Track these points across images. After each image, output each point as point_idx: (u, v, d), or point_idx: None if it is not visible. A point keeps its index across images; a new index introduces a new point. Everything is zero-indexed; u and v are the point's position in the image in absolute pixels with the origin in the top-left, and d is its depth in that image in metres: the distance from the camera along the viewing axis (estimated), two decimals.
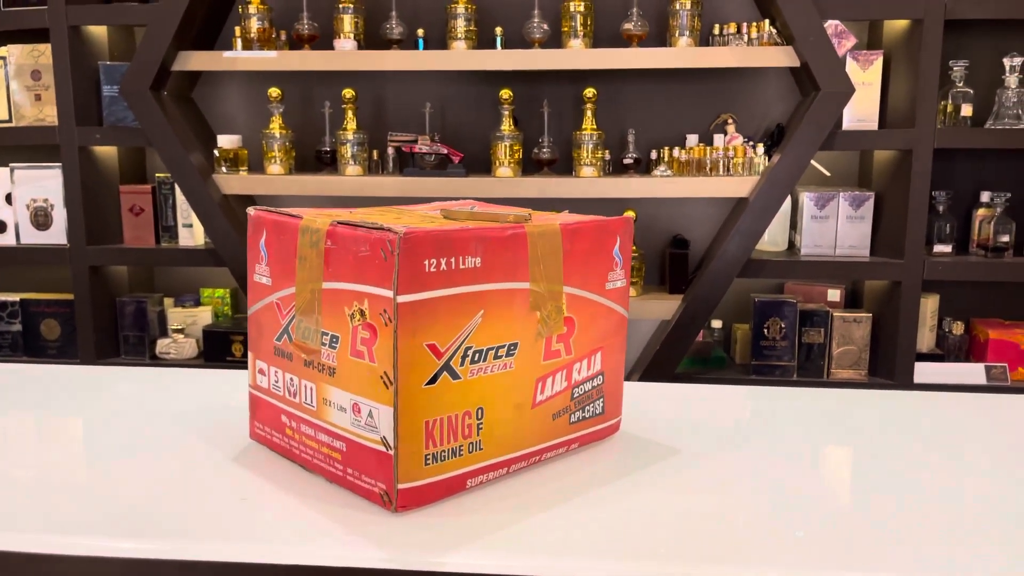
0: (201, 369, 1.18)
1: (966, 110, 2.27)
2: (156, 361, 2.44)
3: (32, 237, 2.44)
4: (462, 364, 0.74)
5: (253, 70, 2.31)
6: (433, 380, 0.72)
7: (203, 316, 2.49)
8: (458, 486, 0.76)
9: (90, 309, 2.40)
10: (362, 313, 0.72)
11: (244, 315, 2.58)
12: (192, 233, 2.42)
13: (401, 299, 0.69)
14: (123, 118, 2.36)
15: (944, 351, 2.46)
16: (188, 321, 2.47)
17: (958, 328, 2.46)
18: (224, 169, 2.32)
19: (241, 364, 2.41)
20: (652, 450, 0.90)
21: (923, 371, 2.34)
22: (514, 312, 0.78)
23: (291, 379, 0.82)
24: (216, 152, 2.32)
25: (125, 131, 2.35)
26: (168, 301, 2.54)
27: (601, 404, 0.91)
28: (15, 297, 2.49)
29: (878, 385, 2.34)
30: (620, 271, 0.90)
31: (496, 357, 0.77)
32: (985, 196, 2.39)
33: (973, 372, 2.36)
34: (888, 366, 2.35)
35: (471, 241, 0.73)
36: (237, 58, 2.23)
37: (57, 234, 2.43)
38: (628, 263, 0.91)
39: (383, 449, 0.72)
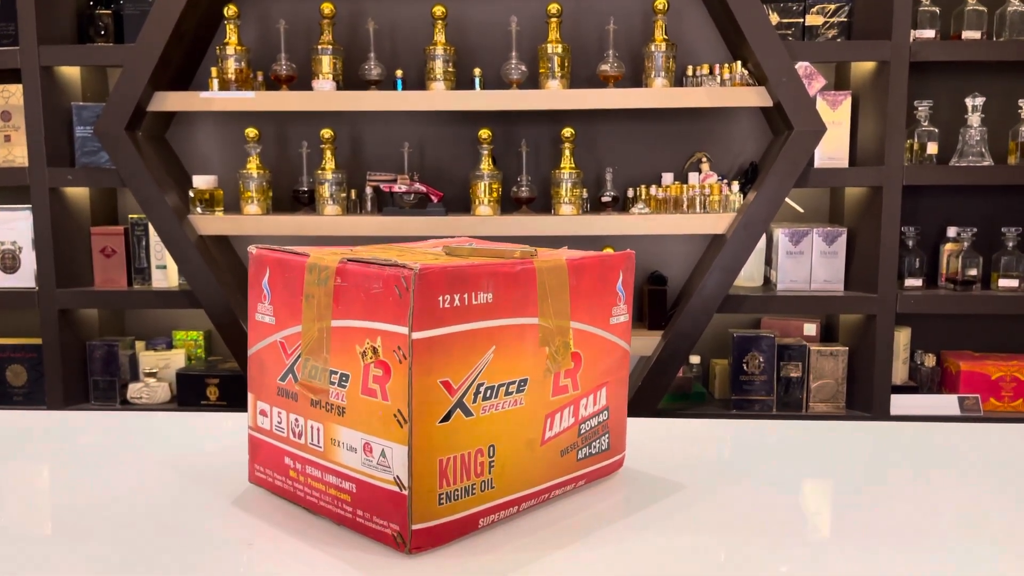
0: (181, 412, 1.16)
1: (932, 148, 2.35)
2: (127, 406, 2.38)
3: None
4: (474, 401, 0.73)
5: (229, 110, 2.31)
6: (447, 417, 0.71)
7: (176, 359, 2.44)
8: (470, 526, 0.75)
9: (59, 354, 2.34)
10: (374, 351, 0.71)
11: (219, 357, 2.54)
12: (166, 275, 2.38)
13: (416, 335, 0.68)
14: (96, 159, 2.34)
15: (917, 383, 2.51)
16: (161, 364, 2.42)
17: (930, 360, 2.51)
18: (199, 209, 2.30)
19: (217, 408, 2.36)
20: (658, 486, 0.90)
21: (899, 403, 2.38)
22: (524, 347, 0.78)
23: (296, 420, 0.80)
24: (191, 192, 2.30)
25: (98, 172, 2.32)
26: (140, 344, 2.49)
27: (607, 440, 0.91)
28: None
29: (856, 418, 2.36)
30: (623, 306, 0.90)
31: (507, 393, 0.76)
32: (952, 231, 2.46)
33: (947, 403, 2.41)
34: (865, 399, 2.38)
35: (483, 276, 0.73)
36: (214, 98, 2.23)
37: (25, 277, 2.37)
38: (630, 298, 0.92)
39: (396, 489, 0.71)
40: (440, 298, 0.70)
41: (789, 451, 1.01)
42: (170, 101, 2.25)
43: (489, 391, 0.75)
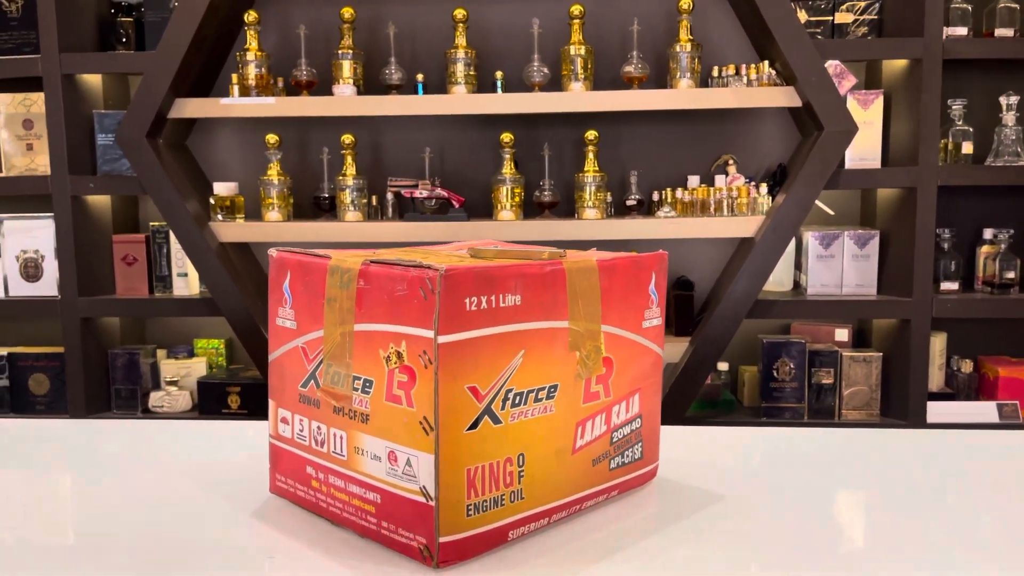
0: (201, 421, 1.14)
1: (967, 148, 2.30)
2: (148, 415, 2.38)
3: (21, 289, 2.39)
4: (503, 408, 0.71)
5: (250, 117, 2.31)
6: (474, 425, 0.69)
7: (197, 368, 2.44)
8: (499, 538, 0.72)
9: (81, 362, 2.35)
10: (399, 355, 0.69)
11: (240, 365, 2.53)
12: (187, 282, 2.38)
13: (442, 339, 0.66)
14: (117, 167, 2.34)
15: (954, 390, 2.44)
16: (182, 373, 2.42)
17: (967, 366, 2.45)
18: (220, 217, 2.29)
19: (237, 417, 2.35)
20: (693, 497, 0.87)
21: (935, 411, 2.32)
22: (554, 352, 0.75)
23: (318, 427, 0.78)
24: (212, 200, 2.30)
25: (119, 179, 2.33)
26: (161, 353, 2.49)
27: (640, 449, 0.88)
28: (2, 351, 2.43)
29: (891, 426, 2.31)
30: (656, 308, 0.87)
31: (536, 400, 0.74)
32: (988, 233, 2.40)
33: (985, 411, 2.35)
34: (900, 406, 2.32)
35: (511, 278, 0.71)
36: (235, 105, 2.23)
37: (47, 285, 2.39)
38: (663, 300, 0.89)
39: (422, 500, 0.68)
40: (467, 300, 0.67)
41: (826, 461, 0.98)
42: (191, 108, 2.26)
43: (518, 397, 0.72)
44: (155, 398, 2.38)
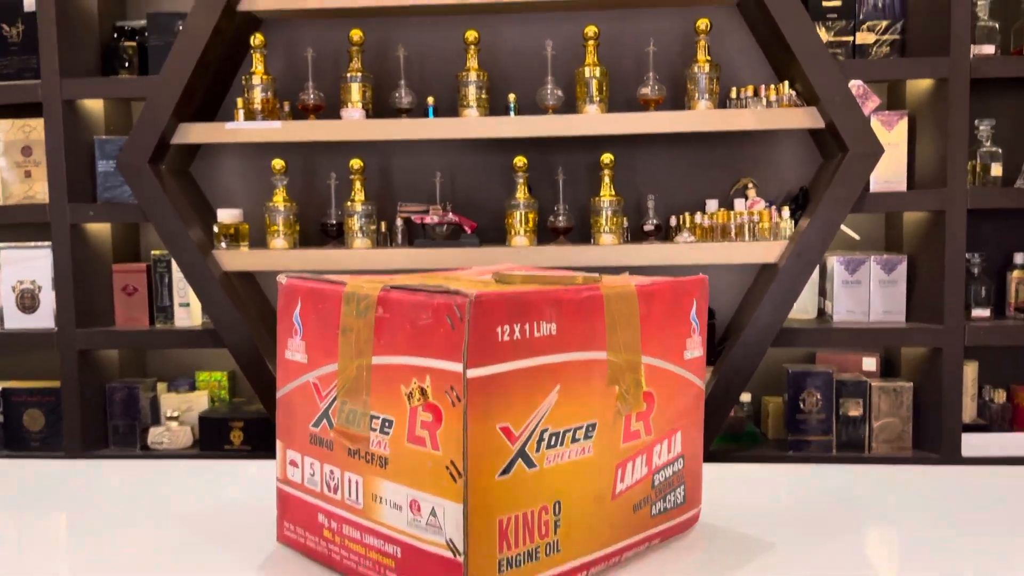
0: (202, 460, 1.08)
1: (996, 169, 2.24)
2: (147, 452, 2.31)
3: (17, 321, 2.34)
4: (538, 450, 0.65)
5: (255, 142, 2.27)
6: (507, 470, 0.63)
7: (199, 401, 2.38)
8: None
9: (77, 397, 2.29)
10: (423, 392, 0.63)
11: (243, 399, 2.47)
12: (189, 313, 2.33)
13: (472, 373, 0.60)
14: (118, 194, 2.31)
15: (987, 420, 2.36)
16: (183, 407, 2.35)
17: (1000, 396, 2.37)
18: (224, 244, 2.25)
19: (240, 454, 2.28)
20: (741, 545, 0.80)
21: (970, 443, 2.24)
22: (591, 387, 0.69)
23: (331, 472, 0.72)
24: (216, 227, 2.26)
25: (120, 207, 2.29)
26: (161, 386, 2.43)
27: (682, 492, 0.81)
28: None
29: (924, 459, 2.23)
30: (697, 337, 0.81)
31: (574, 440, 0.68)
32: (1019, 258, 2.34)
33: (1022, 443, 2.26)
34: (932, 439, 2.25)
35: (546, 304, 0.65)
36: (240, 129, 2.19)
37: (44, 317, 2.33)
38: (704, 329, 0.83)
39: (449, 554, 0.62)
40: (499, 329, 0.61)
41: (880, 501, 0.91)
42: (195, 133, 2.22)
43: (554, 438, 0.66)
44: (154, 434, 2.31)
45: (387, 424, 0.66)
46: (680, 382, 0.79)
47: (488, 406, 0.61)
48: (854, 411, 2.27)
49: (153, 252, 2.37)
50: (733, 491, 0.94)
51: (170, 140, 2.22)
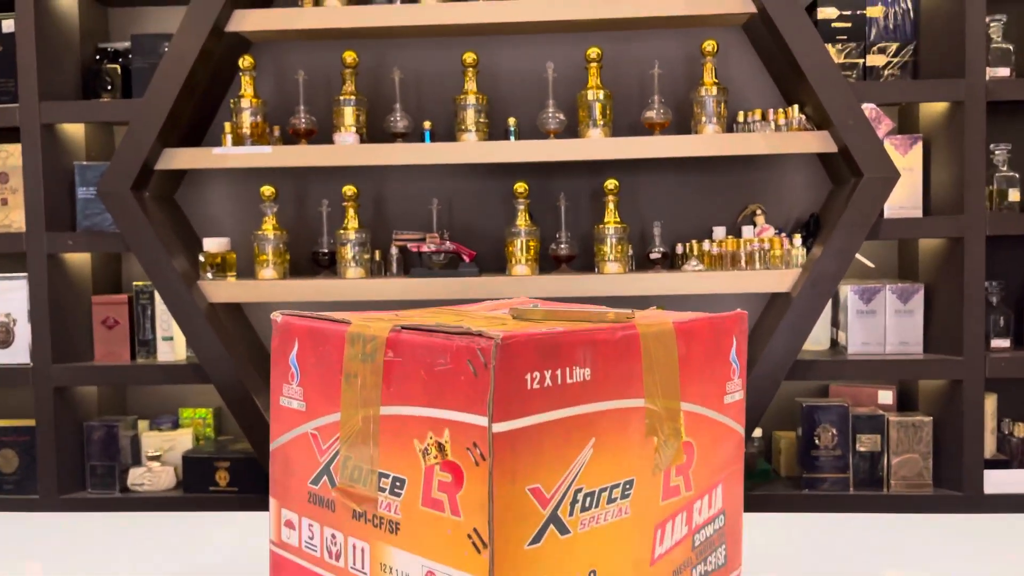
0: (187, 513, 1.00)
1: (1013, 195, 2.20)
2: (128, 494, 2.22)
3: None
4: (571, 513, 0.57)
5: (243, 167, 2.21)
6: (538, 538, 0.55)
7: (182, 440, 2.29)
8: None
9: (53, 436, 2.19)
10: (440, 448, 0.56)
11: (230, 437, 2.38)
12: (172, 347, 2.25)
13: (498, 428, 0.53)
14: (98, 222, 2.23)
15: (1008, 455, 2.30)
16: (165, 447, 2.26)
17: (1020, 430, 2.31)
18: (210, 275, 2.17)
19: (226, 497, 2.19)
20: None
21: (992, 480, 2.17)
22: (629, 439, 0.62)
23: (333, 536, 0.64)
24: (201, 257, 2.18)
25: (101, 236, 2.22)
26: (143, 424, 2.34)
27: (723, 553, 0.74)
28: None
29: (945, 497, 2.16)
30: (737, 380, 0.75)
31: (610, 500, 0.60)
32: None
33: None
34: (953, 475, 2.18)
35: (579, 347, 0.58)
36: (228, 155, 2.13)
37: (19, 352, 2.25)
38: (744, 370, 0.76)
39: None
40: (528, 376, 0.54)
41: (935, 554, 0.83)
42: (180, 158, 2.16)
43: (589, 499, 0.59)
44: (135, 475, 2.22)
45: (398, 484, 0.59)
46: (721, 430, 0.72)
47: (517, 465, 0.54)
48: (872, 447, 2.20)
49: (135, 283, 2.29)
50: (776, 544, 0.87)
51: (154, 166, 2.15)
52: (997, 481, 2.17)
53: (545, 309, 0.71)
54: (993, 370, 2.14)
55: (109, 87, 2.26)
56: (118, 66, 2.27)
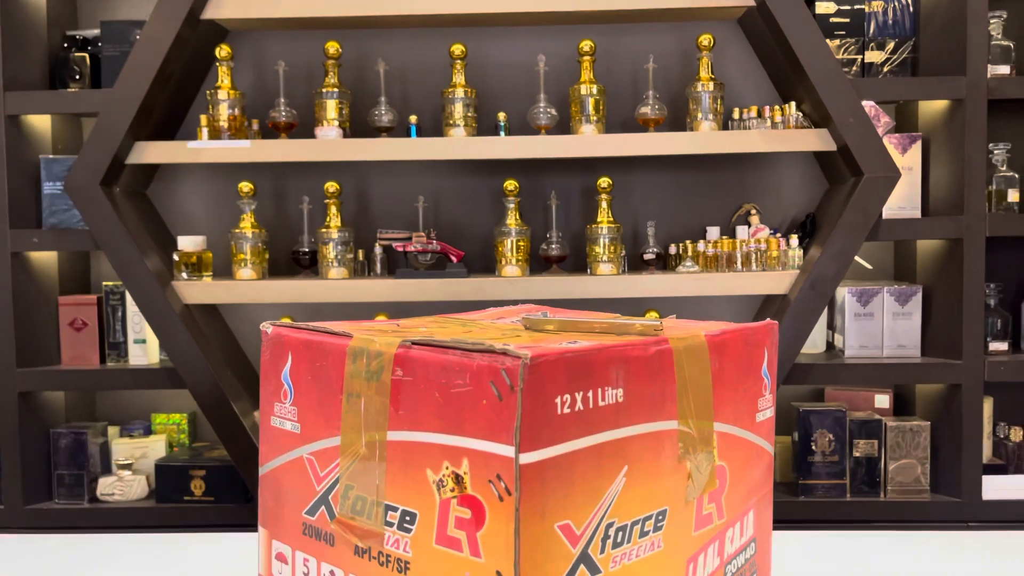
0: (164, 535, 0.94)
1: (1012, 195, 2.18)
2: (97, 504, 2.13)
3: None
4: (602, 551, 0.52)
5: (220, 162, 2.13)
6: None
7: (155, 447, 2.21)
8: None
9: (18, 445, 2.11)
10: (458, 480, 0.50)
11: (205, 444, 2.30)
12: (145, 350, 2.17)
13: (526, 459, 0.47)
14: (66, 219, 2.15)
15: (1003, 460, 2.28)
16: (137, 454, 2.18)
17: (1016, 434, 2.29)
18: (185, 275, 2.10)
19: (202, 508, 2.11)
20: None
21: (990, 485, 2.15)
22: (662, 465, 0.57)
23: (331, 573, 0.59)
24: (176, 256, 2.11)
25: (68, 234, 2.13)
26: (113, 431, 2.26)
27: None
28: None
29: (943, 504, 2.13)
30: (769, 396, 0.70)
31: (642, 534, 0.55)
32: None
33: None
34: (951, 481, 2.15)
35: (612, 365, 0.53)
36: (204, 149, 2.05)
37: None
38: (775, 385, 0.71)
39: None
40: (558, 400, 0.49)
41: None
42: (153, 152, 2.08)
43: (620, 534, 0.53)
44: (105, 485, 2.14)
45: (408, 518, 0.53)
46: (753, 451, 0.67)
47: (546, 500, 0.48)
48: (869, 452, 2.17)
49: (105, 283, 2.21)
50: (795, 564, 0.82)
51: (125, 160, 2.07)
52: (995, 487, 2.15)
53: (560, 319, 0.66)
54: (992, 374, 2.12)
55: (77, 76, 2.17)
56: (87, 55, 2.19)
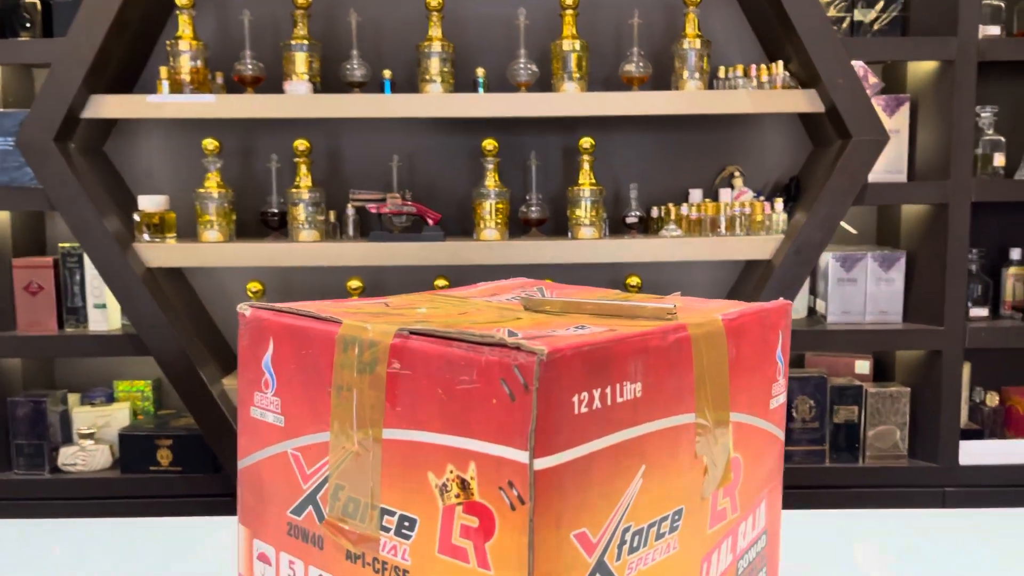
0: (134, 519, 0.89)
1: (998, 160, 2.17)
2: (59, 475, 2.07)
3: None
4: (618, 558, 0.49)
5: (183, 118, 2.04)
6: None
7: (118, 416, 2.15)
8: None
9: None
10: (464, 485, 0.46)
11: (171, 412, 2.25)
12: (105, 315, 2.09)
13: (541, 464, 0.44)
14: (18, 177, 2.05)
15: (979, 425, 2.31)
16: (99, 423, 2.12)
17: (992, 399, 2.32)
18: (147, 236, 2.02)
19: (169, 478, 2.06)
20: None
21: (968, 451, 2.17)
22: (678, 462, 0.54)
23: None
24: (136, 216, 2.02)
25: (21, 192, 2.03)
26: (73, 398, 2.19)
27: None
28: None
29: (920, 468, 2.16)
30: (782, 381, 0.67)
31: (659, 536, 0.52)
32: (1016, 253, 2.28)
33: (1020, 450, 2.21)
34: (929, 446, 2.18)
35: (630, 357, 0.49)
36: (165, 103, 1.96)
37: None
38: (787, 368, 0.68)
39: None
40: (575, 398, 0.45)
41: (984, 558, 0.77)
42: (110, 106, 1.98)
43: (637, 538, 0.50)
44: (66, 455, 2.07)
45: (407, 524, 0.49)
46: (766, 439, 0.64)
47: (563, 507, 0.45)
48: (849, 418, 2.18)
49: (61, 245, 2.12)
50: (794, 547, 0.80)
51: (80, 114, 1.97)
52: (972, 452, 2.18)
53: (562, 300, 0.62)
54: (972, 340, 2.13)
55: (28, 24, 2.05)
56: (38, 1, 2.07)
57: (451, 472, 0.46)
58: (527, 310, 0.62)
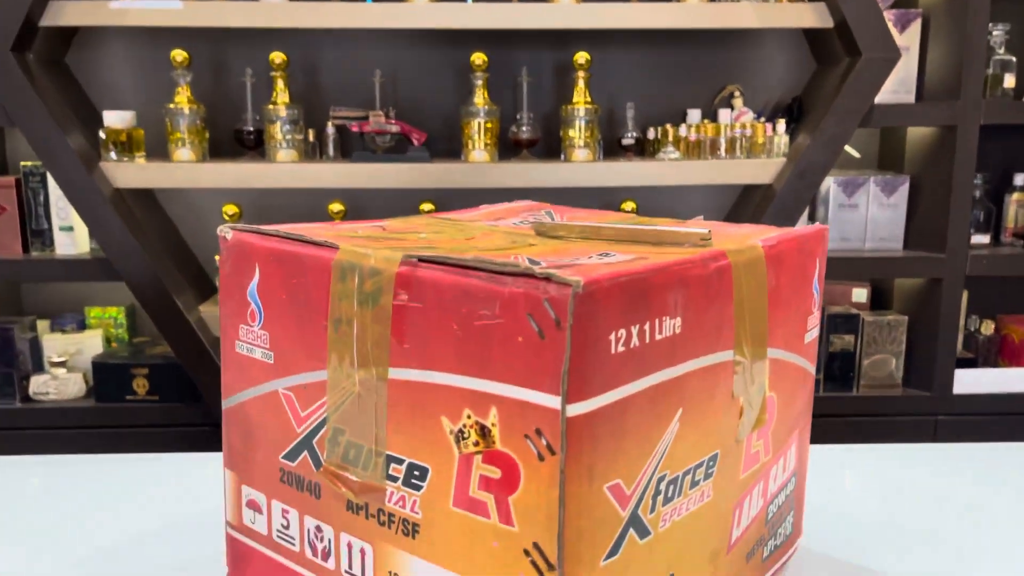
0: (111, 456, 0.84)
1: (1008, 81, 2.10)
2: (31, 404, 2.02)
3: None
4: (652, 510, 0.44)
5: (149, 26, 1.92)
6: (615, 549, 0.42)
7: (91, 343, 2.09)
8: None
9: None
10: (484, 432, 0.41)
11: (146, 339, 2.19)
12: (73, 238, 2.01)
13: (574, 410, 0.39)
14: None
15: (974, 353, 2.31)
16: (71, 350, 2.06)
17: (988, 327, 2.31)
18: (114, 155, 1.92)
19: (146, 408, 2.02)
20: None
21: (962, 380, 2.17)
22: (716, 403, 0.49)
23: (318, 529, 0.50)
24: (102, 133, 1.92)
25: None
26: (43, 325, 2.12)
27: (791, 521, 0.63)
28: None
29: (914, 397, 2.16)
30: (817, 313, 0.62)
31: (693, 484, 0.48)
32: (1020, 179, 2.24)
33: (1018, 378, 2.21)
34: (924, 375, 2.17)
35: (670, 289, 0.44)
36: (129, 10, 1.84)
37: None
38: (822, 300, 0.63)
39: None
40: (612, 336, 0.40)
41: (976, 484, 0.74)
42: (70, 13, 1.86)
43: (672, 487, 0.46)
44: (38, 383, 2.02)
45: (417, 473, 0.44)
46: (800, 375, 0.60)
47: (596, 458, 0.40)
48: (846, 347, 2.16)
49: (22, 163, 2.02)
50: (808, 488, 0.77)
51: (39, 22, 1.85)
52: (966, 381, 2.18)
53: (579, 224, 0.56)
54: (973, 268, 2.10)
55: None
56: None
57: (468, 417, 0.41)
58: (539, 235, 0.56)
